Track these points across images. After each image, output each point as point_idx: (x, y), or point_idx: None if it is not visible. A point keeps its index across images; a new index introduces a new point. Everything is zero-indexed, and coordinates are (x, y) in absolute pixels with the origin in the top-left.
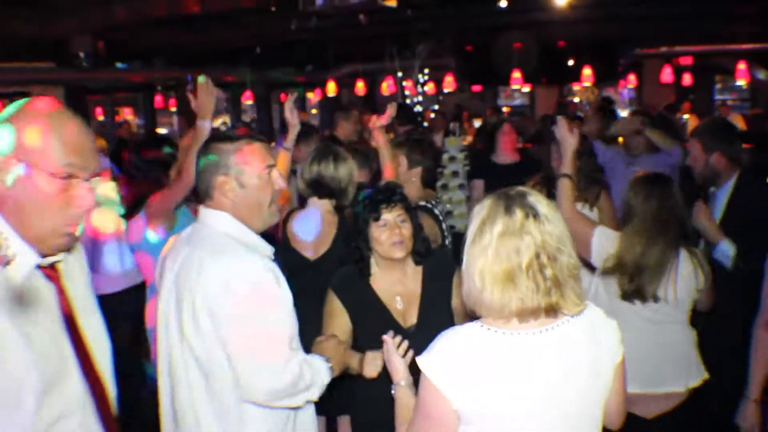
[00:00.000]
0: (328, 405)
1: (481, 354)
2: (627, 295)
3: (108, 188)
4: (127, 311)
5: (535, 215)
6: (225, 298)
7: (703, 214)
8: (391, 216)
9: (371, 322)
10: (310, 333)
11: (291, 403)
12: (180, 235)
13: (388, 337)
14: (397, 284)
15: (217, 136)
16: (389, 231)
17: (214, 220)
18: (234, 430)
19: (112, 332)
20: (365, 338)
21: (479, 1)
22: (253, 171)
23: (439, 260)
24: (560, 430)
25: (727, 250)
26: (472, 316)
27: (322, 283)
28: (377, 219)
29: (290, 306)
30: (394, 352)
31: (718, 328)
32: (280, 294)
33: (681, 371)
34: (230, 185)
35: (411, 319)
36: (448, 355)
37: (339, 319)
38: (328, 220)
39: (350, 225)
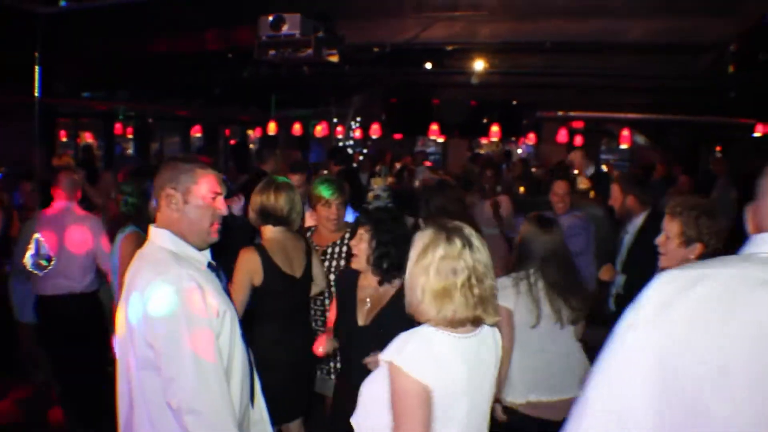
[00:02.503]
0: (276, 413)
1: (440, 348)
2: (537, 322)
3: None
4: None
5: (470, 245)
6: (150, 300)
7: (605, 271)
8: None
9: (343, 311)
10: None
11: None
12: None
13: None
14: (374, 289)
15: (177, 158)
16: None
17: (155, 236)
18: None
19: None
20: (339, 323)
21: (407, 62)
22: (199, 192)
23: None
24: (481, 408)
25: (618, 283)
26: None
27: (307, 295)
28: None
29: (213, 309)
30: None
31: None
32: (200, 299)
33: (577, 377)
34: (176, 199)
35: (368, 319)
36: (421, 352)
37: (337, 304)
38: (293, 243)
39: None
